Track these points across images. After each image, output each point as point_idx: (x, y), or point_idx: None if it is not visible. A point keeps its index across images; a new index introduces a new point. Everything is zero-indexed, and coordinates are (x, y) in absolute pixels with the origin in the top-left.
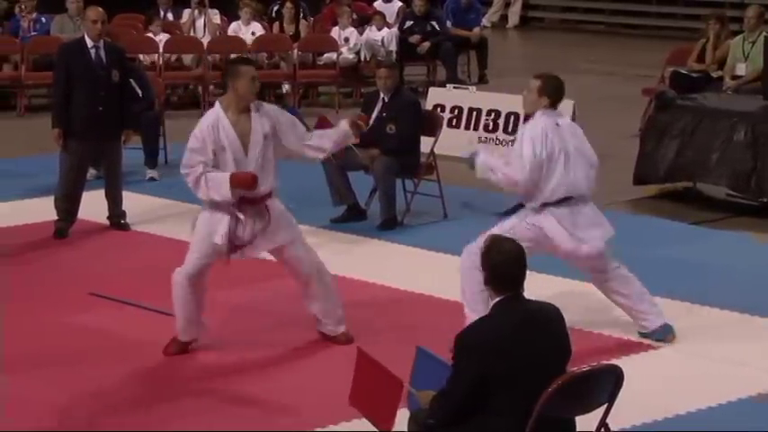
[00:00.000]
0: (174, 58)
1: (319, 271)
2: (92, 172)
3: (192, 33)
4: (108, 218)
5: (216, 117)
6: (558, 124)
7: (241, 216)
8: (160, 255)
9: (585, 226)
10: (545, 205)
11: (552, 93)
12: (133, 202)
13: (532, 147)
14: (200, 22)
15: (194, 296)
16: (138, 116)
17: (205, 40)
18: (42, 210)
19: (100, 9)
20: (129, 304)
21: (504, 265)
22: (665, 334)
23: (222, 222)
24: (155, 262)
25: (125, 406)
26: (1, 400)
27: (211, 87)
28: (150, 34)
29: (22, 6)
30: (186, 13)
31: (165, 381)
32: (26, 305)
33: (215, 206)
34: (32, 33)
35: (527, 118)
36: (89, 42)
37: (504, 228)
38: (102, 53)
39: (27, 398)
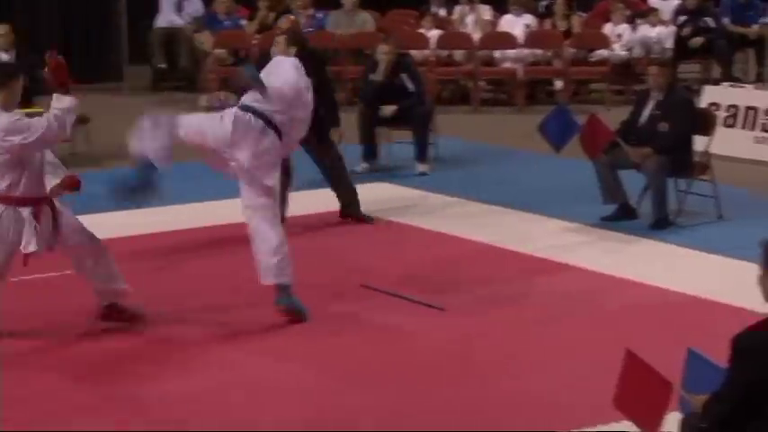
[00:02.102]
0: (445, 53)
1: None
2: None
3: (462, 29)
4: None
5: None
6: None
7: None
8: (426, 248)
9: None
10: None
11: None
12: (401, 195)
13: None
14: (470, 18)
15: None
16: (408, 111)
17: (476, 36)
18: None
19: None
20: (398, 297)
21: None
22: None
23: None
24: (421, 255)
25: (395, 396)
26: (278, 390)
27: (481, 83)
28: (422, 30)
29: (298, 3)
30: (458, 9)
31: (432, 367)
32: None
33: None
34: (308, 29)
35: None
36: None
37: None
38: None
39: (293, 388)
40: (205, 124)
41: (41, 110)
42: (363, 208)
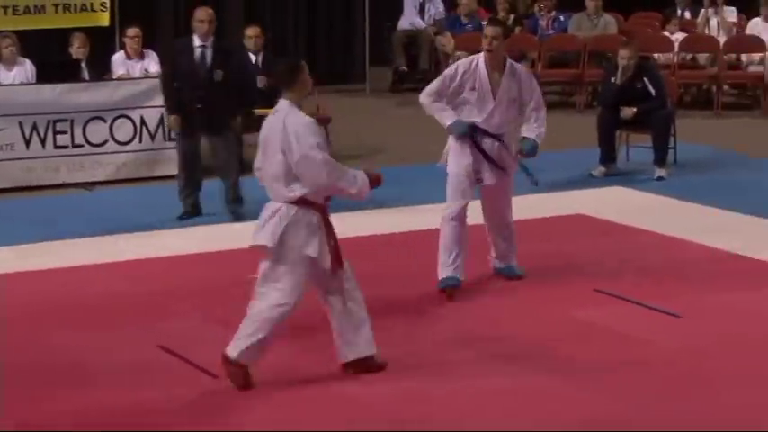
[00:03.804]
0: (689, 56)
1: None
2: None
3: (706, 32)
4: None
5: None
6: None
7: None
8: (661, 254)
9: None
10: None
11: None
12: (638, 199)
13: None
14: (714, 21)
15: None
16: (648, 114)
17: (721, 39)
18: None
19: (209, 10)
20: (632, 302)
21: None
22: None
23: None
24: (655, 260)
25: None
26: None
27: (725, 87)
28: (666, 33)
29: (541, 6)
30: (702, 11)
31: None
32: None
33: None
34: (550, 32)
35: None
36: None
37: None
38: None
39: (522, 392)
40: None
41: None
42: (599, 212)
